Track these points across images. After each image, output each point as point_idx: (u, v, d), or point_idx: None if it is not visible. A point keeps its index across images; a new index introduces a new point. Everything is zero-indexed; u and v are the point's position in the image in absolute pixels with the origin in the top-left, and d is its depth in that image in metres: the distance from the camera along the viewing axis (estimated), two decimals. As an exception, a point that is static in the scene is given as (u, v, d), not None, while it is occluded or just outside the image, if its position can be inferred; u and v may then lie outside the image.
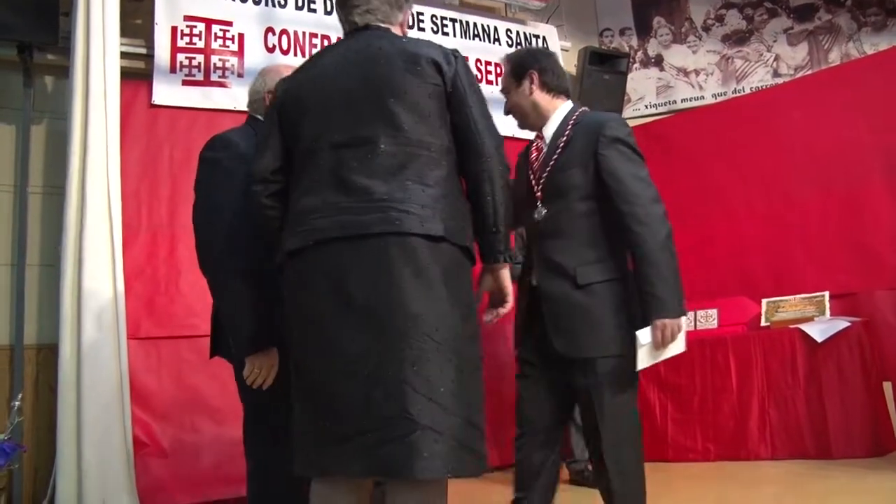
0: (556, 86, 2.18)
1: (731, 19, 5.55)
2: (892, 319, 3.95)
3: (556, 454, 2.23)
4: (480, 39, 4.87)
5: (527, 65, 2.18)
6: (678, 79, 5.61)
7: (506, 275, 1.72)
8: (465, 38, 4.81)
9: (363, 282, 1.48)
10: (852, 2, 5.30)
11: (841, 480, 3.16)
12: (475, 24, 4.87)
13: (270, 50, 4.16)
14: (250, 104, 2.23)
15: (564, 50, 5.28)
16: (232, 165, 1.96)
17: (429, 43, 1.69)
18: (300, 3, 4.29)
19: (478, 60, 4.81)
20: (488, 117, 1.66)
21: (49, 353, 3.47)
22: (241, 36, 4.09)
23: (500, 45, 4.93)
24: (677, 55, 5.63)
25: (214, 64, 4.00)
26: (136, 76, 3.90)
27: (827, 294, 3.99)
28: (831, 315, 3.91)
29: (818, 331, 3.73)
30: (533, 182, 2.14)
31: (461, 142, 1.63)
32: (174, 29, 3.91)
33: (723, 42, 5.56)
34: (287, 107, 1.69)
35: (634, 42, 5.71)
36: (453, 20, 4.78)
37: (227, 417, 3.47)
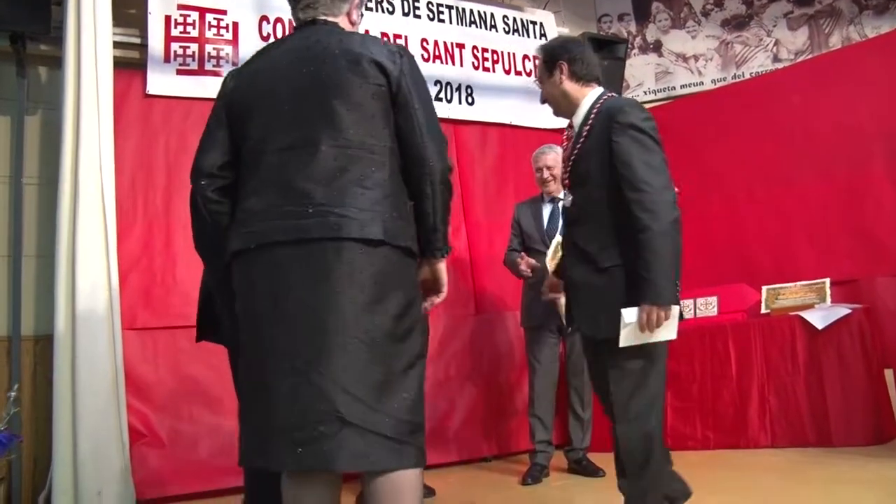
0: (585, 74, 2.21)
1: (731, 4, 5.50)
2: (894, 306, 3.94)
3: None
4: (477, 26, 4.83)
5: (557, 55, 2.22)
6: (677, 64, 5.57)
7: (441, 268, 1.77)
8: (462, 24, 4.77)
9: (300, 284, 1.54)
10: (854, -16, 5.25)
11: (841, 468, 3.15)
12: (472, 11, 4.83)
13: (265, 38, 4.13)
14: None
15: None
16: None
17: (375, 41, 1.70)
18: (295, -9, 4.25)
19: (474, 47, 4.78)
20: (433, 118, 1.68)
21: (47, 343, 3.45)
22: (235, 24, 4.07)
23: (496, 31, 4.90)
24: (676, 41, 5.58)
25: (209, 53, 3.98)
26: (130, 66, 3.88)
27: (828, 281, 3.96)
28: (832, 302, 3.89)
29: (819, 318, 3.71)
30: (562, 170, 2.24)
31: (404, 143, 1.65)
32: (168, 18, 3.88)
33: (722, 27, 5.52)
34: (234, 102, 1.71)
35: (633, 28, 5.66)
36: (450, 7, 4.75)
37: (224, 407, 3.48)
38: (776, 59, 5.37)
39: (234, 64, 4.01)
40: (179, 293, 3.62)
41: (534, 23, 5.07)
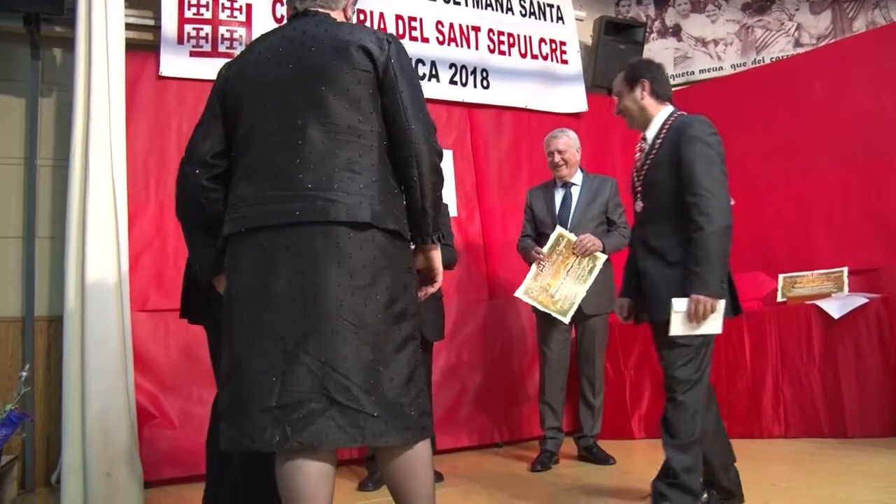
0: (662, 94, 2.49)
1: (752, -13, 5.39)
2: (913, 296, 3.87)
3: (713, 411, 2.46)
4: (493, 9, 4.77)
5: (640, 74, 2.49)
6: (696, 49, 5.47)
7: (436, 255, 1.78)
8: (478, 7, 4.72)
9: (288, 268, 1.56)
10: (879, -33, 5.12)
11: (855, 459, 3.11)
12: (488, -6, 4.77)
13: (279, 20, 4.10)
14: None
15: (579, 19, 5.17)
16: None
17: (363, 28, 1.73)
18: (309, -28, 4.22)
19: (490, 30, 4.72)
20: (420, 103, 1.69)
21: (60, 324, 3.45)
22: (248, 6, 4.04)
23: (512, 14, 4.84)
24: (696, 25, 5.49)
25: (222, 35, 3.96)
26: (144, 48, 3.88)
27: (846, 270, 3.90)
28: (850, 291, 3.83)
29: (835, 307, 3.66)
30: (635, 178, 2.50)
31: (391, 127, 1.67)
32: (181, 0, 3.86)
33: (743, 11, 5.41)
34: (227, 93, 1.75)
35: (652, 11, 5.57)
36: (465, -10, 4.69)
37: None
38: (798, 43, 5.27)
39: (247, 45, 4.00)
40: (191, 275, 3.63)
41: (550, 6, 5.01)
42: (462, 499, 2.88)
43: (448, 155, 4.30)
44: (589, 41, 5.28)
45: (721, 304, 2.23)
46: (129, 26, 3.68)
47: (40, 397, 3.57)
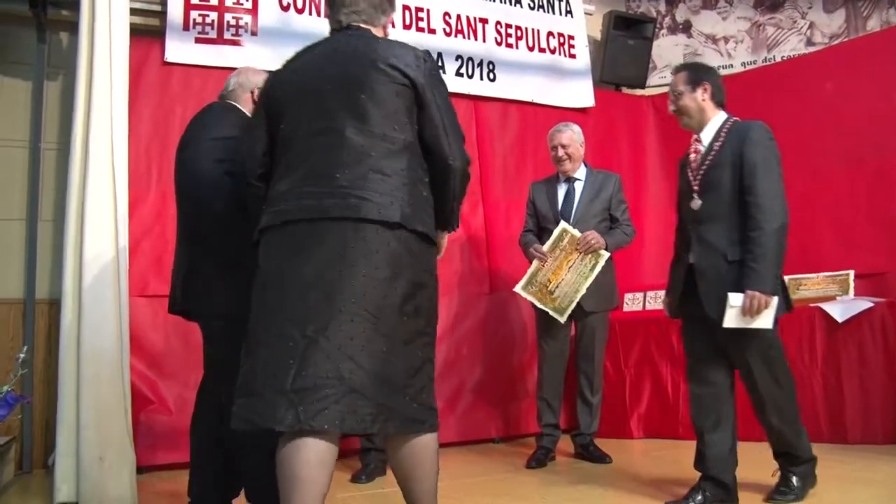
0: (719, 100, 2.63)
1: (765, -15, 5.33)
2: (921, 301, 3.81)
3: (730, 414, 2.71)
4: (501, 2, 4.73)
5: (703, 76, 2.63)
6: (706, 46, 5.42)
7: (445, 237, 1.97)
8: (486, -1, 4.68)
9: (318, 258, 1.67)
10: (896, -35, 5.04)
11: (855, 466, 3.07)
12: (496, -14, 4.73)
13: (285, 8, 4.09)
14: (228, 94, 2.54)
15: (588, 13, 5.12)
16: None
17: (402, 45, 1.86)
18: (316, -39, 4.20)
19: (497, 23, 4.68)
20: (453, 116, 1.86)
21: (60, 307, 3.50)
22: (255, -7, 4.02)
23: (520, 7, 4.79)
24: (707, 21, 5.43)
25: (228, 22, 3.95)
26: (150, 33, 3.87)
27: (852, 273, 3.85)
28: (855, 295, 3.78)
29: (839, 310, 3.61)
30: (691, 177, 2.61)
31: (427, 140, 1.81)
32: (188, -15, 3.86)
33: (755, 8, 5.34)
34: (272, 99, 1.89)
35: (662, 7, 5.51)
36: (474, -18, 4.65)
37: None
38: (809, 42, 5.20)
39: (252, 33, 3.99)
40: (192, 261, 3.62)
41: (560, -1, 4.96)
42: (455, 493, 2.87)
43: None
44: (598, 35, 5.24)
45: (774, 301, 2.39)
46: (135, 11, 3.66)
47: (39, 379, 3.59)
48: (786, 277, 4.02)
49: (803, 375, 3.68)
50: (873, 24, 5.05)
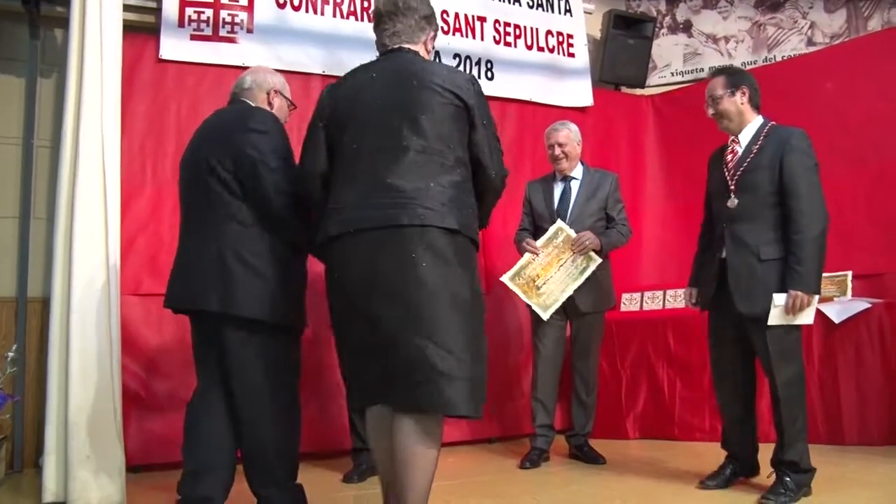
0: (756, 104, 2.78)
1: (766, -16, 5.29)
2: (919, 303, 3.78)
3: (751, 404, 2.84)
4: (500, 0, 4.70)
5: (742, 80, 2.78)
6: (707, 46, 5.38)
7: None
8: (486, -3, 4.65)
9: (391, 263, 1.88)
10: (897, -35, 5.00)
11: (849, 467, 3.06)
12: (495, -15, 4.70)
13: (281, 6, 4.07)
14: (243, 91, 2.51)
15: (588, 12, 5.09)
16: None
17: (452, 69, 2.12)
18: (313, -42, 4.17)
19: (496, 21, 4.65)
20: (495, 136, 2.10)
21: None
22: (250, -10, 4.00)
23: (519, 5, 4.76)
24: (707, 21, 5.39)
25: (223, 19, 3.93)
26: (145, 30, 3.85)
27: (850, 274, 3.82)
28: (853, 296, 3.75)
29: (836, 311, 3.59)
30: (727, 177, 2.74)
31: (475, 158, 2.05)
32: (183, -19, 3.83)
33: (755, 8, 5.30)
34: (333, 117, 2.08)
35: (663, 6, 5.48)
36: (472, -21, 4.63)
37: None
38: (810, 42, 5.16)
39: (248, 31, 3.96)
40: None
41: (559, -2, 4.93)
42: (448, 494, 2.85)
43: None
44: (597, 35, 5.21)
45: (815, 299, 2.55)
46: (130, 8, 3.65)
47: (31, 378, 3.57)
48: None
49: (801, 377, 3.66)
50: (874, 24, 5.01)
